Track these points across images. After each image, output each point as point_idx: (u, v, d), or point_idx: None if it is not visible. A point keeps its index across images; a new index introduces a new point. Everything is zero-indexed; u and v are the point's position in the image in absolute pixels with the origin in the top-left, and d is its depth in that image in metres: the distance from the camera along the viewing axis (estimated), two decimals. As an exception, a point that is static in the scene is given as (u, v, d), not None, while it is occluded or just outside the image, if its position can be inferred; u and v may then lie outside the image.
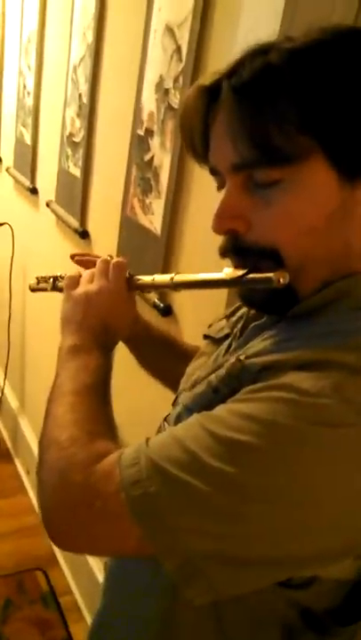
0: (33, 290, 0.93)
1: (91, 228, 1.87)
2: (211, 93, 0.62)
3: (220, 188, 0.65)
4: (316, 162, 0.56)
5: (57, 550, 2.31)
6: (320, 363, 0.53)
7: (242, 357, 0.63)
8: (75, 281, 0.83)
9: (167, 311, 1.39)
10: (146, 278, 0.81)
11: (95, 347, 0.75)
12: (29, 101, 2.33)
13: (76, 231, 1.90)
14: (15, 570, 2.21)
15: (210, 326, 0.87)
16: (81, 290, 0.80)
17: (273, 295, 0.62)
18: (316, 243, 0.59)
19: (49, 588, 2.16)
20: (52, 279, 0.91)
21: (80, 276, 0.84)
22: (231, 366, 0.63)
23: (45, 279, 0.90)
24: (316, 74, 0.54)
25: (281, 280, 0.59)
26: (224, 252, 0.66)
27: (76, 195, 1.92)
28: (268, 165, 0.57)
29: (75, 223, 1.93)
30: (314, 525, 0.52)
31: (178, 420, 0.69)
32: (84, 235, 1.87)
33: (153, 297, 1.43)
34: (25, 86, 2.38)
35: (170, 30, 1.34)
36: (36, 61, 2.22)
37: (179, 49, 1.31)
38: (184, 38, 1.29)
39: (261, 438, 0.51)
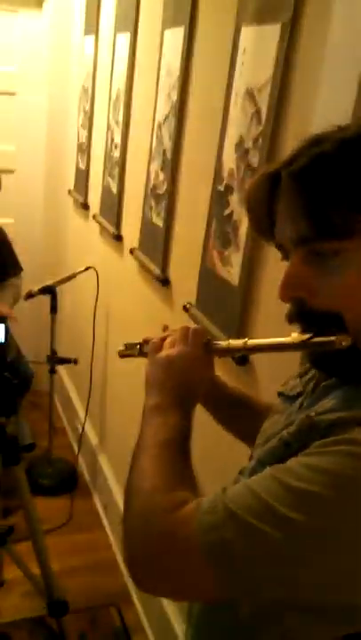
0: (122, 356, 1.01)
1: (172, 276, 1.95)
2: (273, 180, 0.69)
3: (283, 258, 0.72)
4: None
5: (131, 587, 2.35)
6: None
7: (312, 414, 0.68)
8: (158, 346, 0.89)
9: (243, 360, 1.44)
10: (222, 343, 0.87)
11: (175, 406, 0.80)
12: (116, 154, 2.47)
13: (157, 278, 1.99)
14: (89, 605, 2.26)
15: (284, 384, 0.91)
16: (163, 354, 0.86)
17: (338, 357, 0.68)
18: None
19: (122, 624, 2.20)
20: (138, 345, 0.98)
21: (163, 341, 0.90)
22: (301, 422, 0.68)
23: (132, 346, 0.98)
24: None
25: (343, 343, 0.65)
26: (291, 318, 0.72)
27: (158, 243, 2.01)
28: (327, 239, 0.64)
29: (156, 270, 2.02)
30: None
31: (253, 472, 0.74)
32: (165, 282, 1.96)
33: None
34: (112, 140, 2.52)
35: (250, 94, 1.42)
36: (124, 117, 2.36)
37: (258, 111, 1.38)
38: (264, 102, 1.36)
39: (330, 489, 0.55)
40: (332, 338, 0.66)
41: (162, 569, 0.63)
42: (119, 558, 2.50)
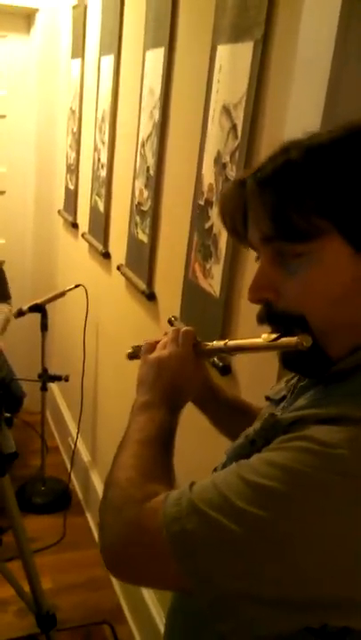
0: (130, 358, 1.03)
1: (157, 290, 1.98)
2: (244, 186, 0.72)
3: (257, 259, 0.74)
4: (332, 240, 0.64)
5: (124, 605, 2.34)
6: (338, 418, 0.60)
7: (277, 413, 0.71)
8: (151, 347, 0.92)
9: (226, 371, 1.46)
10: (208, 344, 0.90)
11: (163, 404, 0.83)
12: (103, 173, 2.51)
13: (143, 293, 2.02)
14: (83, 622, 2.25)
15: (271, 388, 0.94)
16: (155, 355, 0.89)
17: (304, 358, 0.70)
18: (337, 310, 0.67)
19: (115, 642, 2.18)
20: (141, 347, 1.00)
21: (157, 343, 0.93)
22: (265, 421, 0.71)
23: (138, 348, 1.00)
24: (328, 168, 0.63)
25: (304, 343, 0.68)
26: (260, 319, 0.74)
27: (143, 259, 2.04)
28: (290, 241, 0.66)
29: (142, 286, 2.04)
30: (323, 570, 0.57)
31: (222, 469, 0.76)
32: (150, 297, 1.98)
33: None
34: (99, 159, 2.57)
35: (227, 110, 1.46)
36: (109, 137, 2.40)
37: (235, 127, 1.42)
38: (239, 117, 1.39)
39: (284, 484, 0.58)
40: (294, 339, 0.69)
41: (129, 557, 0.66)
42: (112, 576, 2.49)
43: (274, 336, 0.73)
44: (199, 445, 1.43)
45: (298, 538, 0.57)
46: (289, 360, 0.74)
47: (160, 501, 0.65)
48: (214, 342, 0.89)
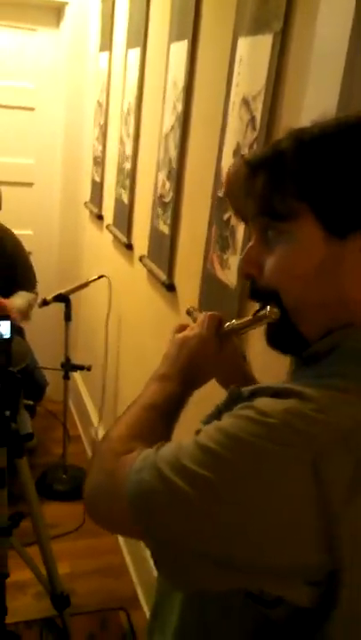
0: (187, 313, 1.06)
1: (177, 281, 2.00)
2: (246, 168, 0.76)
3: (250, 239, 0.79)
4: (307, 220, 0.68)
5: (140, 592, 2.38)
6: (286, 391, 0.65)
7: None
8: (182, 327, 0.97)
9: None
10: (224, 326, 0.94)
11: (177, 378, 0.87)
12: (128, 165, 2.53)
13: (163, 284, 2.04)
14: (99, 607, 2.30)
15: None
16: (182, 334, 0.94)
17: (281, 335, 0.75)
18: (308, 289, 0.70)
19: (130, 628, 2.22)
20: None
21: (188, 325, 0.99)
22: (230, 391, 0.76)
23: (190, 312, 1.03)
24: (311, 157, 0.68)
25: (273, 316, 0.73)
26: (249, 295, 0.79)
27: (164, 250, 2.07)
28: (273, 219, 0.71)
29: (163, 276, 2.07)
30: (252, 531, 0.61)
31: None
32: (170, 287, 2.01)
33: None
34: (124, 152, 2.59)
35: (246, 102, 1.47)
36: (134, 130, 2.43)
37: (253, 119, 1.43)
38: (258, 109, 1.40)
39: (224, 448, 0.62)
40: (264, 311, 0.74)
41: (100, 503, 0.73)
42: (129, 563, 2.53)
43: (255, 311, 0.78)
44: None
45: (233, 501, 0.61)
46: (271, 337, 0.78)
47: (134, 457, 0.70)
48: (227, 323, 0.93)
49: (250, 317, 0.81)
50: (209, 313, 0.95)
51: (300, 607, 0.65)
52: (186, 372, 0.88)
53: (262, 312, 0.75)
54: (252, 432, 0.62)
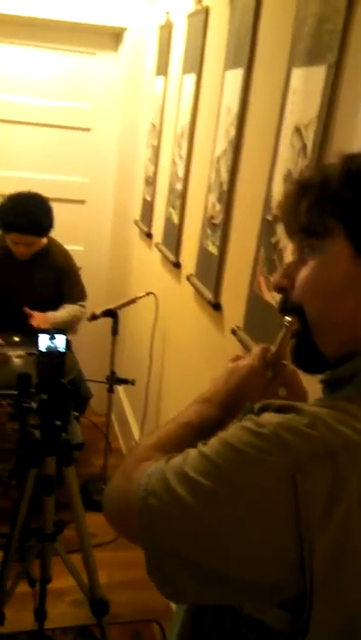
0: None
1: (223, 300, 2.05)
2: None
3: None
4: (338, 238, 0.72)
5: (173, 605, 2.39)
6: (287, 407, 0.67)
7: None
8: (237, 358, 0.99)
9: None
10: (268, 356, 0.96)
11: (219, 403, 0.91)
12: (179, 186, 2.60)
13: (209, 303, 2.09)
14: (133, 619, 2.32)
15: None
16: (234, 363, 0.97)
17: (300, 349, 0.79)
18: (331, 305, 0.73)
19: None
20: None
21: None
22: (245, 407, 0.80)
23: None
24: (354, 185, 0.72)
25: (292, 326, 0.77)
26: (279, 310, 0.83)
27: (212, 270, 2.11)
28: (308, 236, 0.75)
29: (209, 296, 2.11)
30: (233, 544, 0.62)
31: None
32: (216, 307, 2.05)
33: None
34: (176, 173, 2.66)
35: (298, 130, 1.51)
36: (187, 152, 2.50)
37: (305, 147, 1.47)
38: (310, 138, 1.45)
39: (219, 456, 0.65)
40: (286, 323, 0.78)
41: (113, 503, 0.77)
42: (165, 576, 2.55)
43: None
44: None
45: (215, 507, 0.63)
46: (295, 354, 0.82)
47: (150, 463, 0.73)
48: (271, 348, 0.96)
49: (279, 335, 0.84)
50: (262, 345, 0.96)
51: (277, 632, 0.67)
52: (230, 399, 0.91)
53: (285, 323, 0.79)
54: (244, 440, 0.64)
